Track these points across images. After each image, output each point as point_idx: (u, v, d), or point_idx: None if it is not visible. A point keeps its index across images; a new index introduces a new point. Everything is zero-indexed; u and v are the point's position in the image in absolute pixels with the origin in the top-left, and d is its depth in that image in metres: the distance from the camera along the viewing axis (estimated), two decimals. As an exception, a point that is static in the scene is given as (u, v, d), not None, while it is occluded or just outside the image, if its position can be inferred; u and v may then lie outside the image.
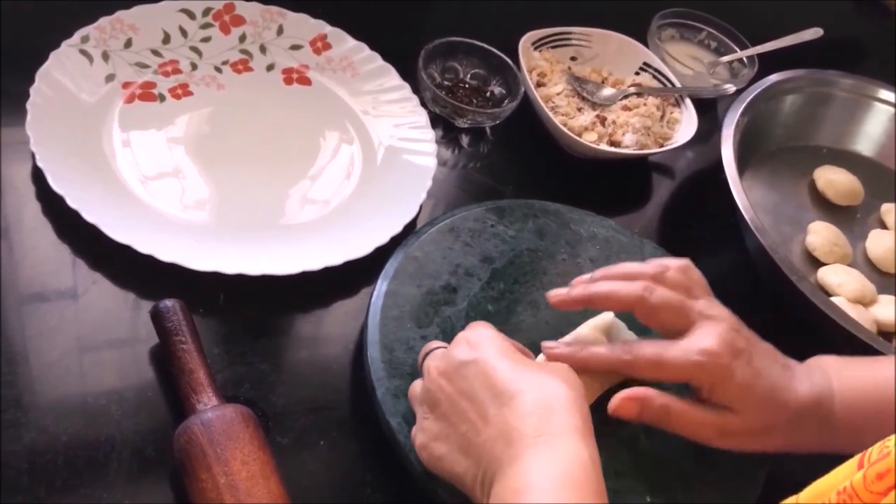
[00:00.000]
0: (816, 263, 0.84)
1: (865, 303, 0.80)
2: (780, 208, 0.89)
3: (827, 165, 0.94)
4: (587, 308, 0.59)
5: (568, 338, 0.61)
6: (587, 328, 0.63)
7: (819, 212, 0.90)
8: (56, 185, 0.62)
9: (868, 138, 0.98)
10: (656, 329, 0.58)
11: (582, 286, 0.58)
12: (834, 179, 0.92)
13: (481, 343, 0.52)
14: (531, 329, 0.65)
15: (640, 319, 0.57)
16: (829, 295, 0.80)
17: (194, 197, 0.69)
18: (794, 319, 0.76)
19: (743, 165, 0.84)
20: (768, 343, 0.58)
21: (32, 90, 0.67)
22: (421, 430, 0.52)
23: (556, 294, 0.59)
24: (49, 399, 0.56)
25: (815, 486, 0.44)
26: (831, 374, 0.58)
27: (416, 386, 0.55)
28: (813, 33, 0.99)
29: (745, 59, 1.01)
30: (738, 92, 0.91)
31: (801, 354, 0.75)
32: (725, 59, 1.02)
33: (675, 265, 0.58)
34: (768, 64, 0.98)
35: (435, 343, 0.57)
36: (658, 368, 0.54)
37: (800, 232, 0.87)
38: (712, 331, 0.55)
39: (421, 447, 0.52)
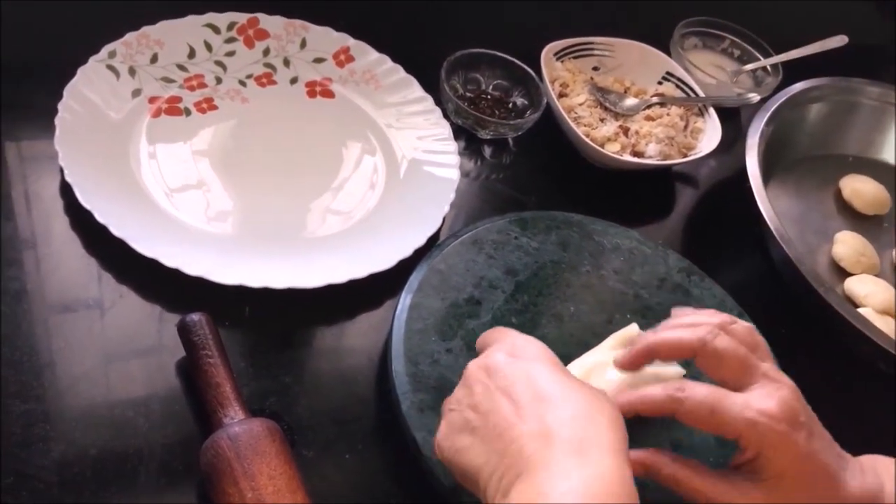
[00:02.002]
0: (843, 274, 0.84)
1: (893, 314, 0.79)
2: (806, 218, 0.88)
3: (853, 174, 0.93)
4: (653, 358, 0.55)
5: (591, 353, 0.61)
6: (612, 340, 0.63)
7: (845, 221, 0.90)
8: (84, 199, 0.63)
9: (895, 146, 0.97)
10: (715, 379, 0.53)
11: (643, 339, 0.55)
12: (860, 188, 0.91)
13: (527, 348, 0.50)
14: (555, 341, 0.65)
15: (701, 367, 0.53)
16: (856, 306, 0.79)
17: (220, 210, 0.70)
18: (821, 331, 0.75)
19: (768, 175, 0.83)
20: (824, 429, 0.53)
21: (60, 105, 0.68)
22: (446, 422, 0.50)
23: (621, 358, 0.56)
24: (77, 412, 0.56)
25: None
26: (884, 477, 0.53)
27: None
28: (838, 41, 0.99)
29: (768, 67, 1.00)
30: (763, 101, 0.91)
31: (827, 367, 0.75)
32: (749, 67, 1.02)
33: (741, 322, 0.54)
34: (793, 72, 0.98)
35: None
36: (709, 416, 0.49)
37: (826, 242, 0.86)
38: (775, 393, 0.50)
39: (442, 437, 0.50)
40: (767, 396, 0.50)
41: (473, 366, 0.51)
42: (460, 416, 0.49)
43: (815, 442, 0.50)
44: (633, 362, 0.55)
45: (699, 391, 0.50)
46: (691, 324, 0.54)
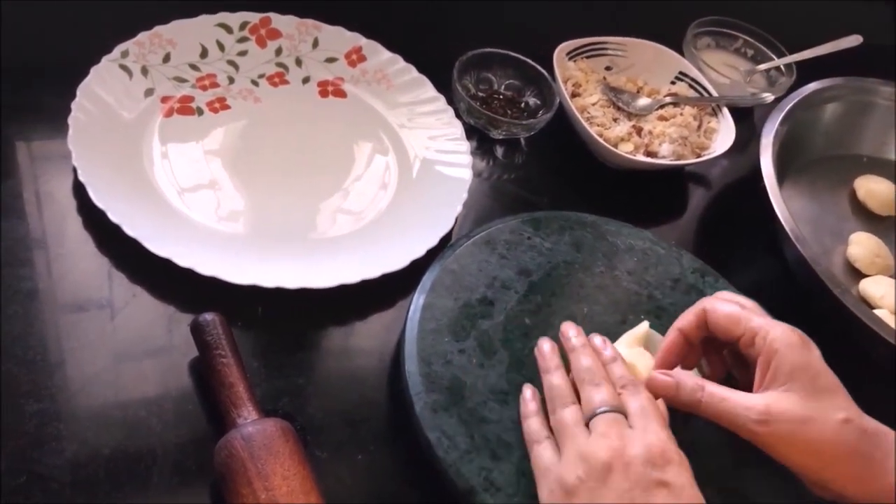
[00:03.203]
0: (858, 275, 0.83)
1: (909, 315, 0.79)
2: (820, 219, 0.88)
3: (868, 175, 0.93)
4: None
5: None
6: (625, 339, 0.63)
7: (860, 222, 0.89)
8: (98, 199, 0.63)
9: (910, 147, 0.97)
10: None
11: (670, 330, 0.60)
12: (875, 189, 0.90)
13: (673, 468, 0.49)
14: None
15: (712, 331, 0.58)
16: (872, 307, 0.79)
17: (232, 209, 0.70)
18: (836, 333, 0.74)
19: (782, 175, 0.83)
20: None
21: (74, 105, 0.68)
22: (567, 462, 0.50)
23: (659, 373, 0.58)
24: (90, 412, 0.56)
25: None
26: None
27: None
28: (852, 41, 0.98)
29: (782, 67, 1.00)
30: (776, 101, 0.90)
31: (842, 368, 0.74)
32: (762, 67, 1.01)
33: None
34: (806, 72, 0.97)
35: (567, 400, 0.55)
36: (738, 313, 0.56)
37: (840, 243, 0.86)
38: (787, 325, 0.55)
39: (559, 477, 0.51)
40: (783, 324, 0.55)
41: (619, 458, 0.50)
42: (585, 487, 0.49)
43: (825, 366, 0.54)
44: (669, 351, 0.59)
45: (728, 304, 0.57)
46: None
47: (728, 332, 0.56)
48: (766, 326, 0.54)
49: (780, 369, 0.53)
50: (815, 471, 0.52)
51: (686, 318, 0.59)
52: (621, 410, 0.52)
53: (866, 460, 0.51)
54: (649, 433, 0.50)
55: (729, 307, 0.57)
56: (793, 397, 0.52)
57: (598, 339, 0.59)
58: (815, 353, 0.54)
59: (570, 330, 0.59)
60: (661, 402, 0.56)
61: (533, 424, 0.55)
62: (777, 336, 0.54)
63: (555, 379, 0.56)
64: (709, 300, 0.59)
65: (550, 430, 0.54)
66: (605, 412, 0.51)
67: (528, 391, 0.58)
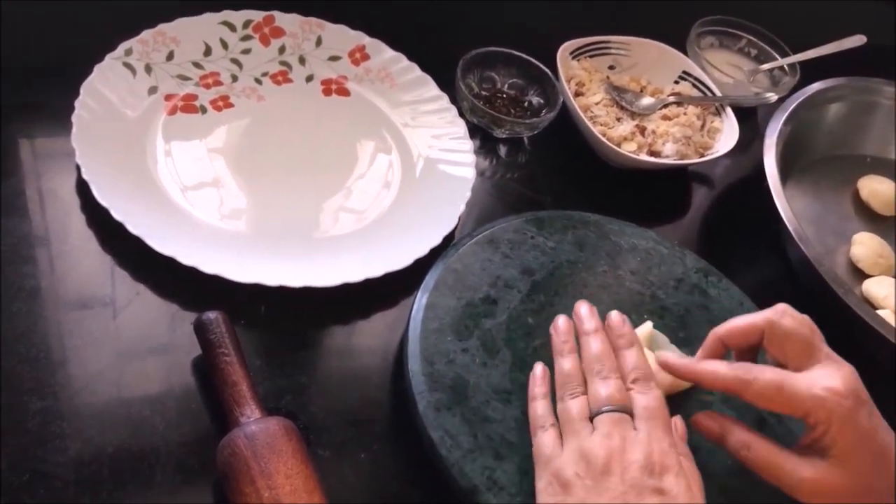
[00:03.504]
0: (861, 275, 0.83)
1: (912, 316, 0.79)
2: (824, 219, 0.88)
3: (871, 175, 0.92)
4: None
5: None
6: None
7: (863, 222, 0.89)
8: (101, 197, 0.63)
9: (913, 147, 0.97)
10: (778, 359, 0.55)
11: (691, 366, 0.56)
12: (878, 189, 0.90)
13: (670, 477, 0.49)
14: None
15: (767, 347, 0.55)
16: (875, 308, 0.79)
17: (235, 207, 0.70)
18: (839, 333, 0.74)
19: (785, 175, 0.83)
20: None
21: (77, 103, 0.68)
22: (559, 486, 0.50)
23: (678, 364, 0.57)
24: (93, 410, 0.56)
25: None
26: None
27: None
28: (856, 41, 0.98)
29: (786, 66, 1.00)
30: (780, 100, 0.90)
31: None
32: (766, 66, 1.01)
33: (773, 321, 0.56)
34: (810, 72, 0.97)
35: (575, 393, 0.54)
36: (777, 394, 0.52)
37: (844, 243, 0.86)
38: (837, 372, 0.52)
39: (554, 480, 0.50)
40: (831, 375, 0.52)
41: (618, 464, 0.49)
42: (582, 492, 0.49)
43: (876, 420, 0.52)
44: (708, 355, 0.57)
45: (766, 372, 0.52)
46: (740, 331, 0.56)
47: (772, 409, 0.54)
48: (812, 406, 0.51)
49: (835, 444, 0.51)
50: None
51: (712, 381, 0.54)
52: (627, 410, 0.52)
53: None
54: (652, 440, 0.50)
55: (765, 385, 0.52)
56: (846, 472, 0.51)
57: (616, 317, 0.58)
58: (865, 416, 0.51)
59: (582, 308, 0.59)
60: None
61: (539, 408, 0.55)
62: (828, 415, 0.50)
63: (566, 364, 0.56)
64: (743, 378, 0.53)
65: (556, 414, 0.54)
66: (610, 411, 0.51)
67: (538, 368, 0.58)
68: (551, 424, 0.54)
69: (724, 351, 0.58)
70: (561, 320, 0.59)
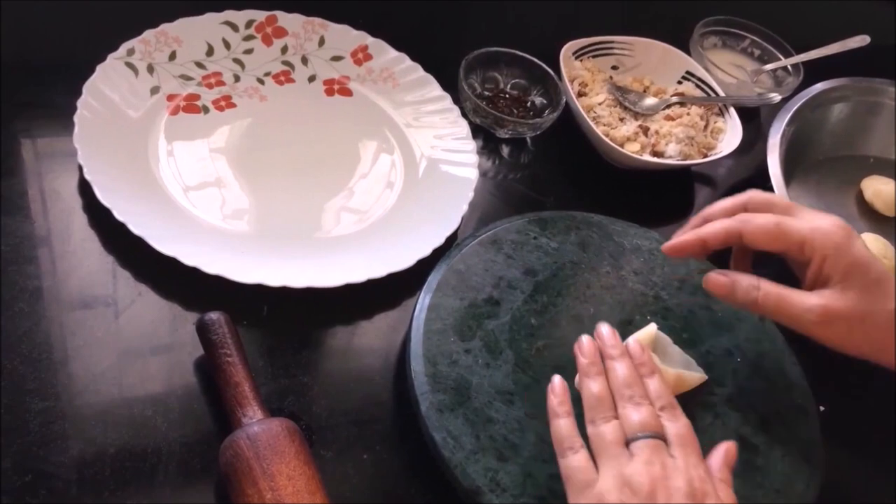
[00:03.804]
0: (865, 276, 0.83)
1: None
2: (827, 220, 0.87)
3: (874, 175, 0.92)
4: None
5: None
6: (633, 340, 0.62)
7: (867, 223, 0.89)
8: (103, 197, 0.63)
9: (917, 148, 0.97)
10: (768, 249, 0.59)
11: (691, 232, 0.60)
12: (882, 189, 0.90)
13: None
14: (574, 342, 0.64)
15: (751, 244, 0.58)
16: (879, 308, 0.78)
17: (237, 208, 0.70)
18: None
19: (789, 175, 0.83)
20: None
21: (80, 103, 0.68)
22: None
23: (670, 244, 0.60)
24: (95, 410, 0.56)
25: None
26: None
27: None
28: (860, 41, 0.97)
29: (789, 67, 0.99)
30: (784, 101, 0.90)
31: (851, 368, 0.74)
32: (769, 67, 1.01)
33: (755, 192, 0.60)
34: (813, 72, 0.97)
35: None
36: (775, 228, 0.56)
37: (847, 244, 0.85)
38: (827, 217, 0.57)
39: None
40: (822, 218, 0.56)
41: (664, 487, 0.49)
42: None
43: (871, 254, 0.56)
44: (683, 251, 0.60)
45: (761, 216, 0.57)
46: (722, 209, 0.60)
47: (770, 248, 0.57)
48: (809, 235, 0.55)
49: (834, 270, 0.55)
50: (870, 355, 0.56)
51: (714, 232, 0.58)
52: (662, 436, 0.51)
53: None
54: (689, 466, 0.49)
55: (764, 221, 0.57)
56: (849, 295, 0.54)
57: (635, 347, 0.57)
58: (859, 245, 0.55)
59: (604, 330, 0.57)
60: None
61: (564, 428, 0.53)
62: (823, 242, 0.55)
63: (595, 386, 0.54)
64: (741, 218, 0.58)
65: (582, 435, 0.53)
66: (646, 437, 0.50)
67: (557, 382, 0.55)
68: (581, 446, 0.52)
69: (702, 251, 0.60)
70: (585, 340, 0.57)
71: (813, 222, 0.56)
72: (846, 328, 0.55)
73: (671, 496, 0.48)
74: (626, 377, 0.54)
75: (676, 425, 0.52)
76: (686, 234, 0.60)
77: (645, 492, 0.48)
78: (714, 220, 0.59)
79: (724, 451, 0.53)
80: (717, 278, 0.59)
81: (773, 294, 0.56)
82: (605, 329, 0.57)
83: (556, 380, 0.55)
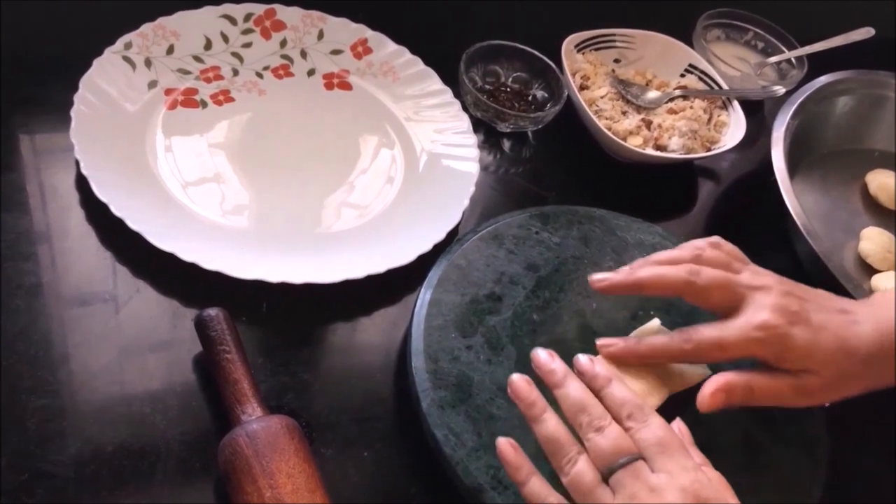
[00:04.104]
0: (870, 270, 0.82)
1: (922, 311, 0.78)
2: (832, 214, 0.87)
3: (879, 169, 0.91)
4: (635, 294, 0.59)
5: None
6: (635, 336, 0.62)
7: (872, 217, 0.88)
8: (101, 192, 0.62)
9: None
10: (708, 310, 0.58)
11: (626, 271, 0.58)
12: (887, 183, 0.89)
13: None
14: (578, 338, 0.64)
15: (691, 301, 0.57)
16: (884, 303, 0.78)
17: (236, 203, 0.69)
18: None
19: (793, 169, 0.82)
20: (821, 290, 0.58)
21: (76, 97, 0.67)
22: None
23: (601, 278, 0.58)
24: (93, 408, 0.56)
25: None
26: None
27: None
28: (864, 33, 0.97)
29: (793, 59, 0.99)
30: (787, 94, 0.89)
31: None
32: (773, 59, 1.00)
33: (707, 243, 0.59)
34: (817, 65, 0.96)
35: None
36: (721, 351, 0.54)
37: (852, 238, 0.85)
38: (764, 302, 0.54)
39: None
40: (759, 309, 0.54)
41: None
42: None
43: (815, 318, 0.54)
44: (613, 290, 0.58)
45: (704, 335, 0.55)
46: (668, 259, 0.58)
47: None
48: (757, 338, 0.54)
49: (792, 363, 0.54)
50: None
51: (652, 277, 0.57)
52: (637, 454, 0.46)
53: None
54: (675, 474, 0.45)
55: (706, 334, 0.55)
56: (815, 377, 0.54)
57: (583, 359, 0.52)
58: (802, 323, 0.54)
59: (540, 356, 0.52)
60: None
61: (535, 488, 0.49)
62: (773, 341, 0.54)
63: (546, 428, 0.49)
64: (690, 269, 0.56)
65: (552, 479, 0.49)
66: (623, 464, 0.46)
67: (504, 446, 0.50)
68: (558, 502, 0.48)
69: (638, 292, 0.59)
70: (515, 379, 0.51)
71: (752, 325, 0.54)
72: (828, 394, 0.55)
73: None
74: (577, 401, 0.49)
75: (649, 430, 0.47)
76: (628, 349, 0.56)
77: None
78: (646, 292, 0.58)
79: (682, 436, 0.52)
80: (714, 399, 0.54)
81: (765, 385, 0.55)
82: (540, 355, 0.52)
83: (503, 444, 0.50)
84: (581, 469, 0.47)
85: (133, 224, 0.61)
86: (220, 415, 0.55)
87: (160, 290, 0.63)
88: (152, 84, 0.74)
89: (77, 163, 0.64)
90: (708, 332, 0.55)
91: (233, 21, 0.79)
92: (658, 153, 0.82)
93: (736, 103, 0.88)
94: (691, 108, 0.86)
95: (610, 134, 0.80)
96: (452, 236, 0.69)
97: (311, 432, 0.57)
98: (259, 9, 0.80)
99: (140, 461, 0.54)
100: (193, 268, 0.61)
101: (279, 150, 0.74)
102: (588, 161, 0.85)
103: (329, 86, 0.81)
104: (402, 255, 0.66)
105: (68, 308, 0.60)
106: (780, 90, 0.94)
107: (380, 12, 0.85)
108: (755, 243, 0.84)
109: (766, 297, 0.55)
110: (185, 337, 0.60)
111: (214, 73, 0.77)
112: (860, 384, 0.55)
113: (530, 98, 0.86)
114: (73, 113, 0.66)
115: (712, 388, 0.53)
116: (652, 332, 0.62)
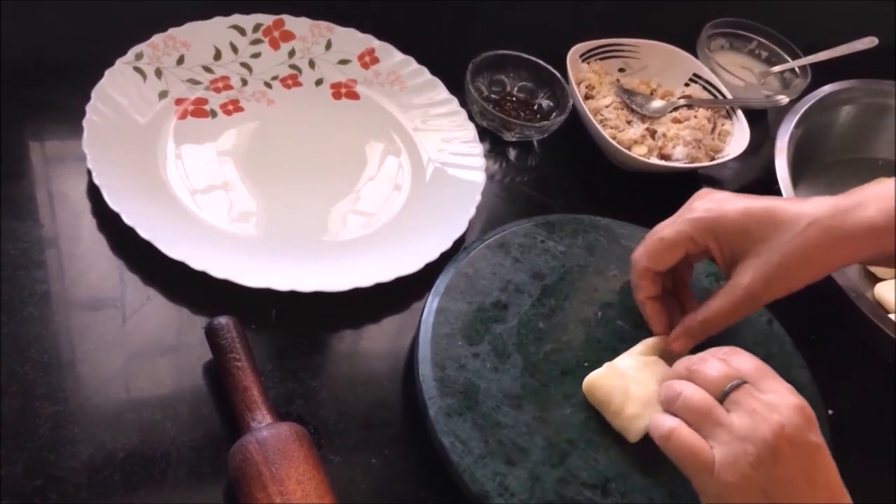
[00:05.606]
0: (873, 279, 0.82)
1: (925, 320, 0.78)
2: (836, 222, 0.87)
3: (883, 178, 0.92)
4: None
5: (621, 358, 0.61)
6: (642, 346, 0.62)
7: (875, 225, 0.88)
8: (112, 201, 0.63)
9: (925, 150, 0.96)
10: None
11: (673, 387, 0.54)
12: (890, 192, 0.89)
13: (815, 426, 0.49)
14: (583, 346, 0.64)
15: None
16: (887, 312, 0.78)
17: (244, 211, 0.70)
18: (851, 337, 0.74)
19: (797, 178, 0.82)
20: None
21: (88, 108, 0.68)
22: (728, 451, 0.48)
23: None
24: (105, 414, 0.56)
25: None
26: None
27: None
28: (867, 42, 0.97)
29: (797, 69, 0.99)
30: (791, 103, 0.90)
31: (858, 374, 0.74)
32: (777, 69, 1.00)
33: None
34: (821, 74, 0.96)
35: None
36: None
37: (855, 246, 0.85)
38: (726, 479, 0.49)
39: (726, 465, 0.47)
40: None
41: (779, 427, 0.47)
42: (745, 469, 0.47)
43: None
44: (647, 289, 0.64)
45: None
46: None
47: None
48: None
49: None
50: None
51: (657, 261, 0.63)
52: (742, 379, 0.49)
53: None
54: (784, 394, 0.49)
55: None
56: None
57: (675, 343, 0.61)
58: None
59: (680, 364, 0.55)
60: None
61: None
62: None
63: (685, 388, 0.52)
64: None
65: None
66: (735, 386, 0.49)
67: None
68: (678, 423, 0.50)
69: (659, 279, 0.63)
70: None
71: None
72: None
73: (791, 437, 0.47)
74: (685, 363, 0.54)
75: (747, 360, 0.51)
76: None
77: (768, 445, 0.47)
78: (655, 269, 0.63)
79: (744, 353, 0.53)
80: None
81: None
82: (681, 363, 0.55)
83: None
84: (693, 391, 0.50)
85: (143, 233, 0.62)
86: (230, 421, 0.56)
87: (170, 298, 0.63)
88: (163, 94, 0.74)
89: (89, 172, 0.65)
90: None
91: (242, 31, 0.80)
92: (662, 162, 0.83)
93: (740, 112, 0.88)
94: (695, 117, 0.87)
95: (615, 143, 0.81)
96: (459, 245, 0.70)
97: (319, 439, 0.58)
98: (268, 19, 0.81)
99: (151, 467, 0.54)
100: (203, 276, 0.61)
101: (288, 158, 0.75)
102: (593, 170, 0.85)
103: (337, 95, 0.81)
104: (410, 263, 0.67)
105: (80, 315, 0.61)
106: (784, 99, 0.94)
107: (387, 23, 0.86)
108: (759, 252, 0.84)
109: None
110: (195, 344, 0.60)
111: (224, 83, 0.78)
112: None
113: (536, 107, 0.87)
114: (85, 123, 0.67)
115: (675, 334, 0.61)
116: (657, 344, 0.63)
